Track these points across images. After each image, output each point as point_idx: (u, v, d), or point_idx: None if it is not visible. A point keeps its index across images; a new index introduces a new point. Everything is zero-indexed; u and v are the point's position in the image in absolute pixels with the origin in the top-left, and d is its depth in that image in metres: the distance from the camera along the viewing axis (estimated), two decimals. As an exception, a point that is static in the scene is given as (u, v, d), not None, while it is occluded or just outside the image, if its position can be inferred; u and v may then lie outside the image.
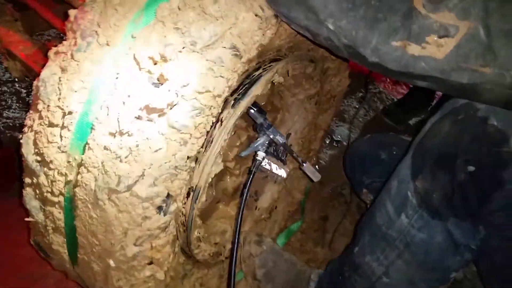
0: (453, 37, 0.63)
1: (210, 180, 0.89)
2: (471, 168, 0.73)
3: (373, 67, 0.73)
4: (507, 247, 0.77)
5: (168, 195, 0.77)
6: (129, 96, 0.73)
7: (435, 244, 0.85)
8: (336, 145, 2.17)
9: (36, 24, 1.39)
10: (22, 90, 2.25)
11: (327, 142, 2.16)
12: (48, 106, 0.80)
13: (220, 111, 0.80)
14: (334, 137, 2.21)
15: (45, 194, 0.85)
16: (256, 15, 0.77)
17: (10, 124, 2.06)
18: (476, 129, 0.73)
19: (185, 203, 0.88)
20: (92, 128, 0.75)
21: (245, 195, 1.00)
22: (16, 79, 2.31)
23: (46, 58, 1.27)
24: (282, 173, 1.36)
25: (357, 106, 2.48)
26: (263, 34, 0.79)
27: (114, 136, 0.73)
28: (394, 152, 1.31)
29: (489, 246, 0.80)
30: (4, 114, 2.10)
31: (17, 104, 2.19)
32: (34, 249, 1.28)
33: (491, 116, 0.72)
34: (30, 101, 2.31)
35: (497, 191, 0.71)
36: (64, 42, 0.82)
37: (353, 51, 0.71)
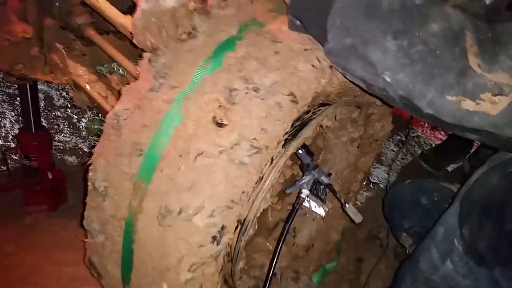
0: (507, 95, 0.67)
1: (258, 214, 0.95)
2: None
3: (428, 119, 0.76)
4: None
5: (223, 226, 0.83)
6: (195, 133, 0.80)
7: None
8: (372, 187, 2.19)
9: (101, 58, 1.52)
10: (74, 116, 2.38)
11: (364, 183, 2.18)
12: (120, 137, 0.89)
13: (275, 151, 0.86)
14: (371, 179, 2.23)
15: (107, 217, 0.92)
16: (313, 66, 0.84)
17: (61, 147, 2.19)
18: None
19: (233, 235, 0.93)
20: (159, 160, 0.83)
21: (286, 229, 1.05)
22: (69, 105, 2.43)
23: (107, 90, 1.39)
24: (321, 211, 1.40)
25: (394, 149, 2.49)
26: (318, 83, 0.86)
27: (179, 169, 0.80)
28: (435, 198, 1.33)
29: None
30: (56, 138, 2.22)
31: (68, 129, 2.32)
32: (77, 268, 1.34)
33: None
34: (81, 127, 2.44)
35: None
36: (138, 81, 0.91)
37: (408, 103, 0.75)
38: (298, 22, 0.87)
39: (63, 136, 2.27)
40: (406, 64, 0.71)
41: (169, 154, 0.82)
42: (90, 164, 0.96)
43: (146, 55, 0.92)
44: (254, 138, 0.80)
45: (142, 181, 0.85)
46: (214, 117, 0.81)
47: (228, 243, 0.95)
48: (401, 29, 0.71)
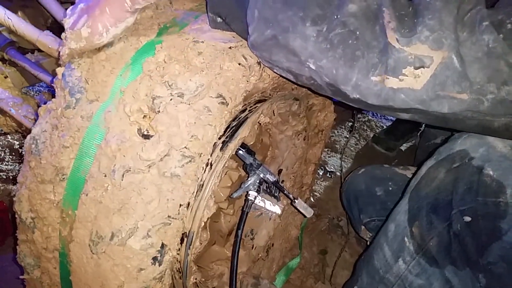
0: (428, 67, 0.65)
1: (202, 224, 0.90)
2: (468, 219, 0.73)
3: (356, 103, 0.74)
4: None
5: (163, 245, 0.78)
6: (119, 149, 0.74)
7: None
8: (329, 176, 2.18)
9: (26, 78, 1.43)
10: (15, 142, 2.26)
11: (321, 173, 2.18)
12: (40, 163, 0.81)
13: (209, 157, 0.82)
14: (327, 168, 2.23)
15: (40, 250, 0.85)
16: (239, 64, 0.80)
17: (4, 177, 2.06)
18: (471, 179, 0.74)
19: (179, 249, 0.88)
20: (84, 183, 0.76)
21: (239, 236, 1.00)
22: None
23: (35, 113, 1.30)
24: (277, 209, 1.36)
25: (347, 136, 2.51)
26: (247, 81, 0.82)
27: (106, 190, 0.74)
28: (390, 188, 1.31)
29: None
30: (-3, 167, 2.10)
31: (10, 157, 2.19)
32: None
33: (486, 165, 0.73)
34: (23, 153, 2.32)
35: (495, 242, 0.71)
36: (54, 100, 0.84)
37: (335, 89, 0.73)
38: (219, 19, 0.83)
39: (5, 164, 2.15)
40: (327, 49, 0.68)
41: (94, 175, 0.75)
42: (14, 196, 0.89)
43: (59, 70, 0.85)
44: (185, 147, 0.75)
45: (69, 207, 0.78)
46: (139, 129, 0.76)
47: (177, 259, 0.90)
48: (319, 14, 0.68)
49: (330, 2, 0.68)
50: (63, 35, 0.83)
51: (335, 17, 0.67)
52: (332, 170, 2.22)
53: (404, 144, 2.48)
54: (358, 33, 0.67)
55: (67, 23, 0.83)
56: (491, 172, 0.72)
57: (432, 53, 0.65)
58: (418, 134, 2.48)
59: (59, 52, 0.85)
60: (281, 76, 0.83)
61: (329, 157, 2.31)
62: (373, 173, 1.43)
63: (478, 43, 0.63)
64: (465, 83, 0.64)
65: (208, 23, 0.86)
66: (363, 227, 1.43)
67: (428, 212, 0.81)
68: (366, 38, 0.67)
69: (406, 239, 0.85)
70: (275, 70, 0.82)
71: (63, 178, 0.78)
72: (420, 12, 0.65)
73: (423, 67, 0.65)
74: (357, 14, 0.67)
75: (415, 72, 0.66)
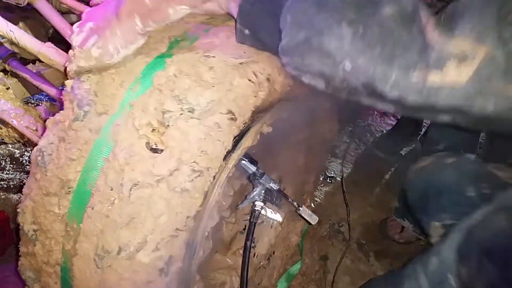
0: (472, 61, 0.64)
1: (206, 234, 0.90)
2: None
3: (393, 104, 0.72)
4: None
5: (170, 256, 0.78)
6: (128, 163, 0.74)
7: None
8: (330, 181, 2.19)
9: (27, 89, 1.43)
10: (16, 151, 2.25)
11: (321, 179, 2.18)
12: (46, 175, 0.81)
13: (217, 171, 0.82)
14: (327, 173, 2.23)
15: (40, 264, 0.85)
16: (249, 80, 0.80)
17: (5, 185, 2.05)
18: None
19: (183, 260, 0.88)
20: (90, 197, 0.76)
21: (248, 247, 1.01)
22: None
23: (37, 123, 1.31)
24: (278, 217, 1.37)
25: (347, 141, 2.51)
26: (255, 96, 0.82)
27: (113, 204, 0.74)
28: (484, 191, 1.09)
29: None
30: (-2, 177, 2.09)
31: (11, 166, 2.19)
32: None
33: None
34: (24, 161, 2.31)
35: None
36: (62, 112, 0.84)
37: (371, 90, 0.71)
38: (247, 31, 0.82)
39: (6, 173, 2.14)
40: (364, 48, 0.67)
41: (100, 189, 0.75)
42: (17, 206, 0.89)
43: (68, 82, 0.85)
44: (194, 162, 0.75)
45: (74, 221, 0.77)
46: (147, 143, 0.75)
47: (181, 269, 0.90)
48: (354, 17, 0.68)
49: (364, 6, 0.68)
50: (70, 52, 0.83)
51: (371, 19, 0.67)
52: (332, 175, 2.23)
53: (404, 148, 2.49)
54: (395, 33, 0.66)
55: (75, 40, 0.82)
56: None
57: (475, 48, 0.64)
58: (418, 138, 2.49)
59: (66, 68, 0.85)
60: (309, 84, 0.81)
61: (329, 162, 2.32)
62: (465, 168, 1.22)
63: None
64: (511, 76, 0.63)
65: (220, 38, 0.85)
66: (437, 223, 1.20)
67: (483, 256, 0.79)
68: (404, 38, 0.67)
69: (450, 276, 0.84)
70: (303, 78, 0.80)
71: (69, 191, 0.78)
72: (459, 13, 0.65)
73: (467, 61, 0.64)
74: (393, 16, 0.67)
75: (459, 66, 0.65)
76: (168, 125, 0.75)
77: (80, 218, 0.77)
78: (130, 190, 0.73)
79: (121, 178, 0.74)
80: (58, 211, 0.79)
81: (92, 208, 0.76)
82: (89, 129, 0.79)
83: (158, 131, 0.76)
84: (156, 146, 0.75)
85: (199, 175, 0.75)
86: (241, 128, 0.83)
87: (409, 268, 0.96)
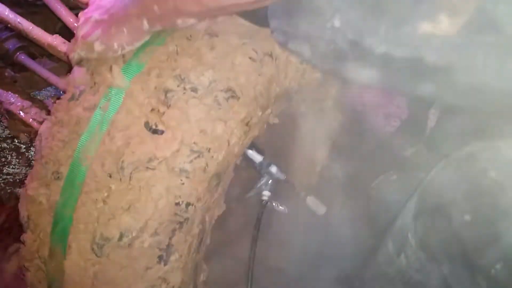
0: (463, 13, 0.64)
1: (213, 222, 0.88)
2: (467, 218, 0.72)
3: (379, 62, 0.71)
4: None
5: (169, 244, 0.75)
6: (125, 145, 0.72)
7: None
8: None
9: (34, 83, 1.44)
10: (22, 145, 2.25)
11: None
12: (41, 159, 0.78)
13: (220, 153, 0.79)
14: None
15: (30, 253, 0.82)
16: (250, 58, 0.78)
17: (10, 180, 2.05)
18: (474, 180, 0.73)
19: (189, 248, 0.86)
20: (84, 181, 0.72)
21: (256, 236, 1.00)
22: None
23: (44, 116, 1.31)
24: (282, 209, 1.34)
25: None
26: (259, 75, 0.80)
27: (110, 189, 0.71)
28: None
29: None
30: (4, 171, 2.09)
31: (17, 160, 2.19)
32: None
33: (490, 168, 0.72)
34: (30, 156, 2.32)
35: (494, 244, 0.70)
36: (62, 96, 0.82)
37: (357, 47, 0.70)
38: None
39: (12, 168, 2.14)
40: (355, 2, 0.67)
41: (96, 174, 0.72)
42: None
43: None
44: (193, 142, 0.73)
45: (65, 210, 0.74)
46: (146, 122, 0.73)
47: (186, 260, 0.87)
48: None
49: None
50: (73, 40, 0.81)
51: None
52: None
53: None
54: None
55: (79, 29, 0.80)
56: (494, 174, 0.71)
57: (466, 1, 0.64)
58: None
59: (68, 56, 0.83)
60: (295, 52, 0.81)
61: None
62: None
63: None
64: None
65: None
66: None
67: (433, 210, 0.80)
68: None
69: (409, 234, 0.84)
70: (290, 45, 0.78)
71: (58, 177, 0.75)
72: None
73: (458, 12, 0.64)
74: None
75: (449, 17, 0.64)
76: (169, 105, 0.73)
77: (73, 206, 0.73)
78: (130, 172, 0.71)
79: (121, 160, 0.71)
80: (48, 198, 0.76)
81: (87, 194, 0.72)
82: (84, 108, 0.76)
83: (158, 110, 0.73)
84: (156, 127, 0.73)
85: (198, 156, 0.73)
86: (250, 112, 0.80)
87: (382, 238, 0.97)
